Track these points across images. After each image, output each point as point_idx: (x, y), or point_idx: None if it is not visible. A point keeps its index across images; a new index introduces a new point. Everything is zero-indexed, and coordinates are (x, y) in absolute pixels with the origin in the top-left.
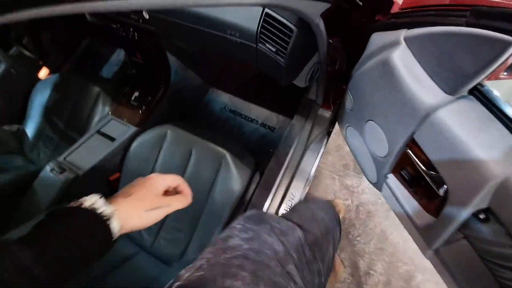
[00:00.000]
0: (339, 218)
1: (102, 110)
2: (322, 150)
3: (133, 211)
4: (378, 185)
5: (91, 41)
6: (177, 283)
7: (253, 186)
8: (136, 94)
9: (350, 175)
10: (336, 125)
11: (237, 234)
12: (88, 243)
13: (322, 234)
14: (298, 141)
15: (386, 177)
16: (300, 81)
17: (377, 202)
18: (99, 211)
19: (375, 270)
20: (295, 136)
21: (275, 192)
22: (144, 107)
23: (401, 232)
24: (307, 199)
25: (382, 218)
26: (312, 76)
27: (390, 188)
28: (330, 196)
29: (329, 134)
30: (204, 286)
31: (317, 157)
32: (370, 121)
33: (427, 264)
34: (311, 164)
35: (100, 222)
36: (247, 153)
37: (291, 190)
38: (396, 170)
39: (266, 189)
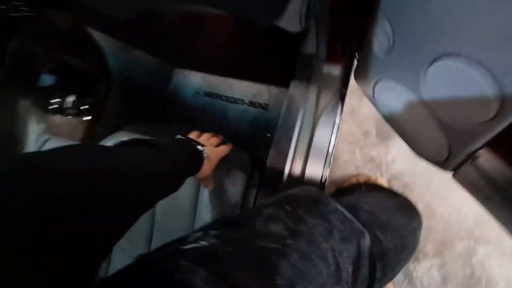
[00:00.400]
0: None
1: (37, 129)
2: (337, 121)
3: (207, 169)
4: (448, 164)
5: (22, 41)
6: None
7: (253, 192)
8: (72, 98)
9: (373, 143)
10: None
11: (283, 219)
12: (195, 161)
13: (396, 248)
14: (302, 116)
15: (473, 155)
16: (291, 23)
17: (414, 171)
18: (203, 155)
19: (426, 253)
20: (297, 110)
21: None
22: (85, 113)
23: (451, 202)
24: (382, 189)
25: (424, 190)
26: (308, 11)
27: (482, 172)
28: (352, 174)
29: (342, 98)
30: (229, 271)
31: (332, 132)
32: (444, 59)
33: (490, 234)
34: (326, 142)
35: (202, 159)
36: (237, 148)
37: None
38: (503, 142)
39: (271, 191)
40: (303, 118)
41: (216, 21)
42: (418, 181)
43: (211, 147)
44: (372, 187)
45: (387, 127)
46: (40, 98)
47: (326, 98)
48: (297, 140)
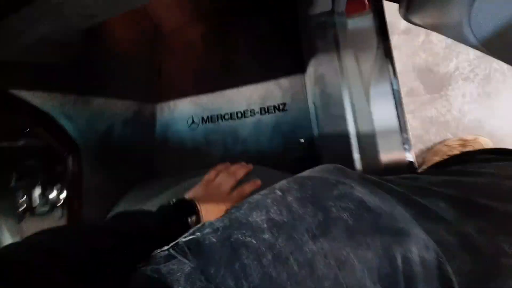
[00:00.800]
0: None
1: (12, 240)
2: (395, 86)
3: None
4: None
5: None
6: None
7: None
8: (38, 192)
9: (426, 101)
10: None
11: (267, 206)
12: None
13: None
14: (350, 96)
15: None
16: None
17: (494, 115)
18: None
19: None
20: (338, 91)
21: None
22: (62, 206)
23: None
24: (499, 156)
25: None
26: None
27: None
28: (420, 149)
29: (389, 52)
30: (207, 267)
31: (395, 101)
32: None
33: None
34: (394, 118)
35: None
36: (272, 171)
37: None
38: None
39: None
40: (351, 98)
41: (177, 30)
42: (505, 126)
43: (219, 192)
44: (483, 155)
45: (435, 76)
46: (10, 200)
47: (368, 61)
48: (357, 130)
